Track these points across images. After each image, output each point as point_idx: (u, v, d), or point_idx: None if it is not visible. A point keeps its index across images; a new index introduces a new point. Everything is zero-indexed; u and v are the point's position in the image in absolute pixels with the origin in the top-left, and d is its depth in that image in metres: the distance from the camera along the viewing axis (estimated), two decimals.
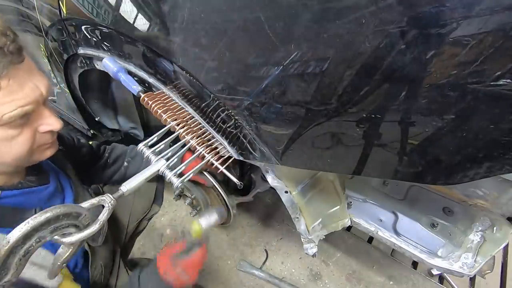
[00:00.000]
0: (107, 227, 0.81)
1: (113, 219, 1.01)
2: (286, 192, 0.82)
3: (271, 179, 0.79)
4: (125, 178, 0.85)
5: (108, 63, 0.80)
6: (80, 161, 0.90)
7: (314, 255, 1.00)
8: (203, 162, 0.74)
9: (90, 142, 0.98)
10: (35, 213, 0.58)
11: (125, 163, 0.96)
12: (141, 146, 0.71)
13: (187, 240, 0.75)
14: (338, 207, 1.00)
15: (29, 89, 0.53)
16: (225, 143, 0.76)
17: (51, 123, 0.59)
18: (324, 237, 1.00)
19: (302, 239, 0.98)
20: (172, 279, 0.69)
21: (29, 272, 0.59)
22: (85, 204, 0.53)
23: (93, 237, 0.66)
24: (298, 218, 0.89)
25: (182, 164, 0.71)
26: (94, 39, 0.86)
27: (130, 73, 0.83)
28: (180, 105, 0.79)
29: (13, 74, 0.50)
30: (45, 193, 0.70)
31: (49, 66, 1.21)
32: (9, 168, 0.60)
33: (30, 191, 0.66)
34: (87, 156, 0.94)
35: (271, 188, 0.86)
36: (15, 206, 0.62)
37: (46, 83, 0.57)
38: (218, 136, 0.77)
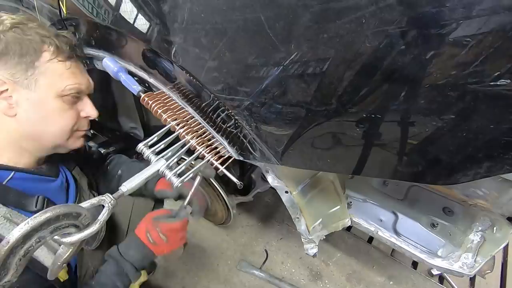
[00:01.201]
0: (105, 233, 0.81)
1: (111, 225, 1.00)
2: (287, 192, 0.82)
3: (271, 179, 0.79)
4: (117, 187, 0.86)
5: (109, 63, 0.80)
6: (89, 167, 0.94)
7: (314, 255, 1.00)
8: (203, 162, 0.74)
9: (103, 151, 0.99)
10: (37, 201, 0.66)
11: (119, 172, 0.95)
12: (141, 146, 0.71)
13: (171, 210, 0.78)
14: (339, 207, 1.00)
15: (84, 78, 0.72)
16: (225, 143, 0.76)
17: (91, 111, 0.73)
18: (324, 237, 1.00)
19: (302, 239, 0.98)
20: (152, 238, 0.71)
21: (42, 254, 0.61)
22: (85, 204, 0.53)
23: (87, 239, 0.67)
24: (298, 218, 0.89)
25: (182, 164, 0.71)
26: (94, 39, 0.86)
27: (130, 73, 0.83)
28: (180, 105, 0.79)
29: (76, 64, 0.70)
30: (52, 185, 0.74)
31: None
32: (43, 147, 0.70)
33: (39, 179, 0.71)
34: (97, 162, 1.00)
35: (271, 188, 0.86)
36: (20, 190, 0.65)
37: (92, 82, 0.75)
38: (218, 136, 0.77)
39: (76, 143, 0.74)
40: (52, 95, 0.65)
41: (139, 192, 0.88)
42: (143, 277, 0.75)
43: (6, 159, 0.66)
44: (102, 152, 0.99)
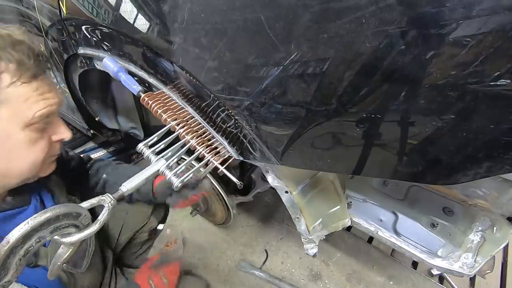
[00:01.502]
0: (93, 252, 0.75)
1: (103, 236, 0.98)
2: (287, 192, 0.82)
3: (271, 179, 0.79)
4: (104, 191, 0.83)
5: (109, 63, 0.80)
6: (68, 174, 0.84)
7: (314, 255, 1.00)
8: (203, 162, 0.74)
9: (82, 155, 0.95)
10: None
11: (104, 175, 0.89)
12: (141, 146, 0.71)
13: (160, 253, 0.80)
14: (339, 207, 1.00)
15: (55, 95, 0.58)
16: (225, 143, 0.76)
17: (63, 132, 0.62)
18: (324, 237, 1.00)
19: (302, 239, 0.98)
20: (154, 284, 0.72)
21: None
22: (85, 204, 0.53)
23: (75, 262, 0.66)
24: (298, 218, 0.89)
25: (182, 164, 0.71)
26: (94, 39, 0.86)
27: (130, 73, 0.83)
28: (180, 105, 0.79)
29: (43, 79, 0.57)
30: (22, 217, 0.64)
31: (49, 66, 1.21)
32: (7, 184, 0.59)
33: (6, 216, 0.61)
34: (76, 168, 0.90)
35: (271, 188, 0.86)
36: None
37: (61, 96, 0.62)
38: (218, 136, 0.77)
39: (48, 170, 0.64)
40: (18, 126, 0.53)
41: (136, 198, 0.87)
42: None
43: None
44: (81, 156, 0.95)
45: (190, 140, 0.73)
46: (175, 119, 0.75)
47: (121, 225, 1.01)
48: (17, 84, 0.52)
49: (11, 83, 0.51)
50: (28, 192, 0.67)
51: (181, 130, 0.74)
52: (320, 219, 0.96)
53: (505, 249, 1.50)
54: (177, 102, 0.79)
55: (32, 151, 0.56)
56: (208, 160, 0.73)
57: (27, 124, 0.54)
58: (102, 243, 0.93)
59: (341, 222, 1.01)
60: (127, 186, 0.62)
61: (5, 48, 0.50)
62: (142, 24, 0.69)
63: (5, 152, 0.53)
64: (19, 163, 0.56)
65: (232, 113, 0.66)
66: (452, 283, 1.35)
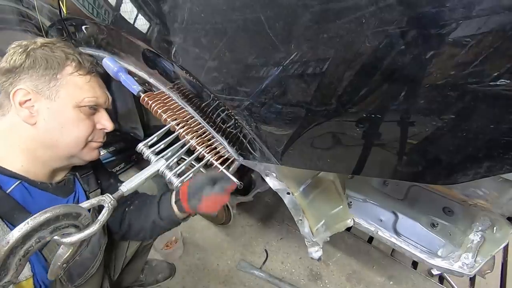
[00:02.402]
0: (93, 273, 0.81)
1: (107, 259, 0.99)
2: (288, 193, 0.81)
3: (272, 183, 0.78)
4: (122, 224, 0.90)
5: (108, 63, 0.80)
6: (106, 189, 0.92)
7: (319, 259, 0.96)
8: (203, 162, 0.74)
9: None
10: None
11: (127, 209, 0.91)
12: (141, 146, 0.71)
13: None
14: (341, 207, 0.99)
15: (103, 92, 0.76)
16: (225, 143, 0.76)
17: (106, 123, 0.77)
18: (328, 239, 0.98)
19: (306, 243, 0.95)
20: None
21: None
22: (85, 204, 0.53)
23: (70, 275, 0.72)
24: (301, 220, 0.87)
25: (182, 164, 0.71)
26: (94, 39, 0.86)
27: (130, 73, 0.83)
28: (180, 105, 0.79)
29: (95, 79, 0.75)
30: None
31: None
32: (57, 157, 0.71)
33: (44, 195, 0.70)
34: (114, 185, 0.96)
35: (271, 188, 0.85)
36: (20, 202, 0.64)
37: (110, 97, 0.79)
38: (218, 136, 0.77)
39: (91, 154, 0.76)
40: (71, 105, 0.69)
41: (162, 227, 0.86)
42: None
43: (19, 166, 0.66)
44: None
45: (190, 140, 0.73)
46: (175, 119, 0.75)
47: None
48: (76, 75, 0.70)
49: (72, 73, 0.70)
50: (71, 188, 0.79)
51: (181, 130, 0.74)
52: (323, 220, 0.95)
53: (505, 249, 1.50)
54: (177, 102, 0.79)
55: (77, 127, 0.70)
56: (208, 160, 0.73)
57: (77, 105, 0.69)
58: (104, 267, 0.93)
59: (343, 222, 1.00)
60: (127, 186, 0.62)
61: (73, 53, 0.71)
62: (142, 24, 0.69)
63: (58, 125, 0.68)
64: (67, 136, 0.69)
65: (232, 113, 0.66)
66: (452, 283, 1.35)
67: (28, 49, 0.67)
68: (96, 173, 0.87)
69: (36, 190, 0.68)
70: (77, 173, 0.81)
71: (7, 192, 0.62)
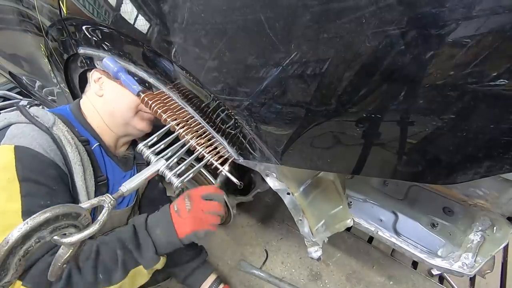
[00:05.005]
0: None
1: None
2: (289, 194, 0.81)
3: (272, 183, 0.78)
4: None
5: (109, 63, 0.80)
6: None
7: (319, 259, 0.97)
8: (203, 162, 0.74)
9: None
10: (101, 176, 0.84)
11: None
12: (141, 146, 0.71)
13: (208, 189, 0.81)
14: (341, 207, 0.99)
15: None
16: (225, 143, 0.76)
17: None
18: (327, 239, 0.98)
19: (306, 243, 0.96)
20: (177, 206, 0.74)
21: None
22: (85, 205, 0.53)
23: None
24: (301, 220, 0.88)
25: (182, 164, 0.71)
26: (94, 39, 0.86)
27: (130, 73, 0.83)
28: (180, 105, 0.79)
29: None
30: (117, 174, 0.92)
31: (49, 66, 1.21)
32: (117, 123, 0.87)
33: (110, 162, 0.90)
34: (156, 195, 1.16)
35: (271, 188, 0.85)
36: (96, 160, 0.84)
37: None
38: (218, 136, 0.77)
39: (142, 123, 0.89)
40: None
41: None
42: (160, 263, 0.75)
43: (97, 128, 0.87)
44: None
45: (190, 140, 0.73)
46: (175, 119, 0.75)
47: None
48: None
49: None
50: (132, 163, 1.00)
51: (181, 130, 0.74)
52: (323, 220, 0.95)
53: (505, 249, 1.50)
54: (177, 102, 0.79)
55: (127, 97, 0.84)
56: (208, 160, 0.73)
57: None
58: None
59: (343, 222, 1.00)
60: (127, 186, 0.62)
61: None
62: (142, 24, 0.69)
63: (116, 94, 0.85)
64: (121, 103, 0.85)
65: (232, 113, 0.66)
66: (452, 283, 1.35)
67: None
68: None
69: (106, 156, 0.88)
70: (135, 155, 1.01)
71: (92, 148, 0.83)
